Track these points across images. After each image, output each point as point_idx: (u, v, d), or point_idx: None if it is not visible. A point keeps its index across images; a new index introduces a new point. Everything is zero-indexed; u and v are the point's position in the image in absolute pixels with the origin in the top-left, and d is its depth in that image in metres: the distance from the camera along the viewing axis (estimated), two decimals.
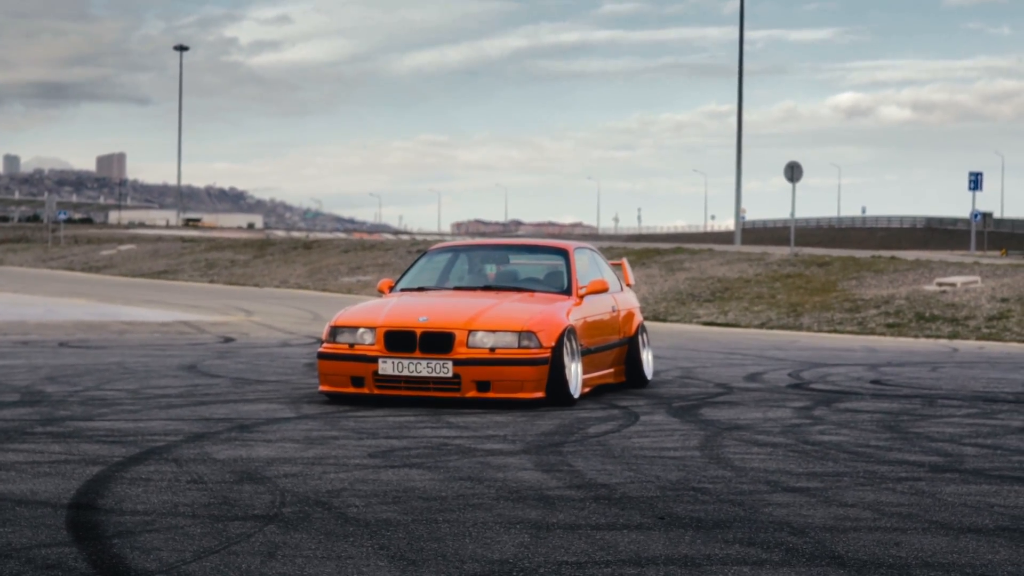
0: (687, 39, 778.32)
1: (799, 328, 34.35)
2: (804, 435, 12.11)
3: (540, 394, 13.82)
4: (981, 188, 72.96)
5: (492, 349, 13.60)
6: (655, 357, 18.63)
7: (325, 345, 14.47)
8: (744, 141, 72.59)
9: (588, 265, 16.37)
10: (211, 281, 59.00)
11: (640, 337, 16.76)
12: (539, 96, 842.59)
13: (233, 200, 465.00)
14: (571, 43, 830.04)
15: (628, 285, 17.78)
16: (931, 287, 38.89)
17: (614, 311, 16.21)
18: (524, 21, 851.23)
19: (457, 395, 13.86)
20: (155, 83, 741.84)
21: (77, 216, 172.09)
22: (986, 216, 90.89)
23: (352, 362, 14.04)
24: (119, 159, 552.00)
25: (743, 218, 75.07)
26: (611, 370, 16.11)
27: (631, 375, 16.48)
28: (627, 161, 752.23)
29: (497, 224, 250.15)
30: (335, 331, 14.36)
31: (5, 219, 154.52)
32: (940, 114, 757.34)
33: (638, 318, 17.04)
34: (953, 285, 38.74)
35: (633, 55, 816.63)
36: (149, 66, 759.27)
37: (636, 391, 15.83)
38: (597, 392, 15.42)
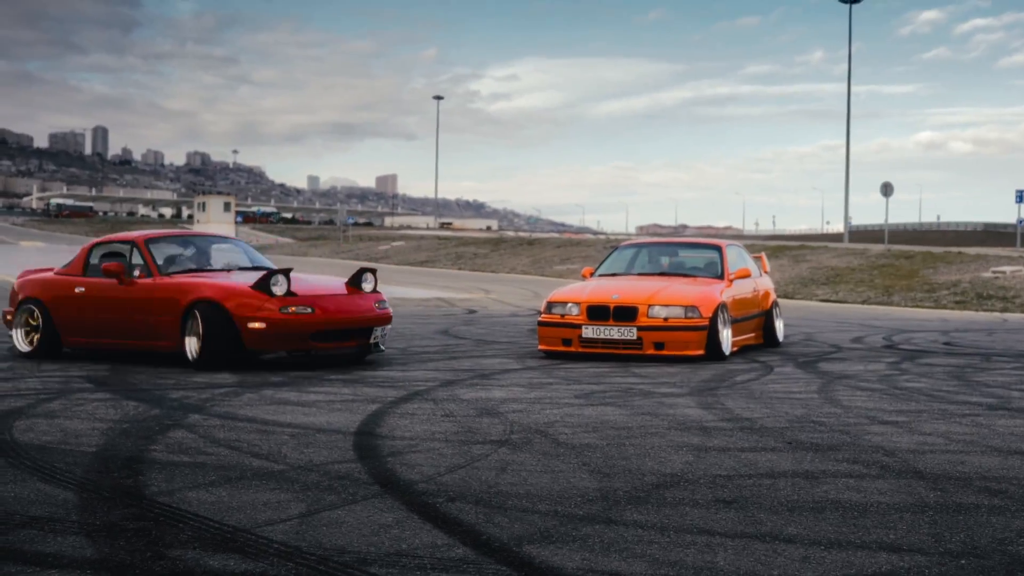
0: (809, 92, 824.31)
1: (891, 304, 35.77)
2: (894, 382, 12.67)
3: (701, 352, 14.79)
4: None
5: (666, 319, 14.72)
6: (785, 325, 19.53)
7: (543, 315, 15.53)
8: (850, 167, 74.89)
9: (736, 257, 17.33)
10: (459, 268, 62.14)
11: (774, 310, 17.79)
12: (700, 133, 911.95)
13: (475, 208, 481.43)
14: (723, 95, 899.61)
15: (765, 272, 18.79)
16: (987, 274, 40.52)
17: (755, 291, 17.20)
18: (689, 79, 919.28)
19: (639, 352, 14.78)
20: (419, 124, 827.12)
21: (361, 220, 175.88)
22: None
23: (563, 328, 15.19)
24: (392, 179, 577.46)
25: (850, 223, 76.17)
26: (753, 334, 17.07)
27: (767, 338, 17.51)
28: (764, 181, 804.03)
29: (669, 227, 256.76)
30: (550, 305, 15.48)
31: (308, 223, 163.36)
32: (993, 148, 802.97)
33: (773, 296, 17.99)
34: (1004, 272, 40.32)
35: (768, 104, 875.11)
36: (415, 111, 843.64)
37: (771, 350, 16.85)
38: (743, 351, 16.36)
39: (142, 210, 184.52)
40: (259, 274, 13.72)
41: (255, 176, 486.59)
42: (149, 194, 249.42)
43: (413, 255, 72.77)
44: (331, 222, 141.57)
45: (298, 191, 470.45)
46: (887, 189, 62.09)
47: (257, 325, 13.32)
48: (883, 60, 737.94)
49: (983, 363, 15.18)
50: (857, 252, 51.85)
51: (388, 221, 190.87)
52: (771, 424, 9.38)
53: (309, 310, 13.52)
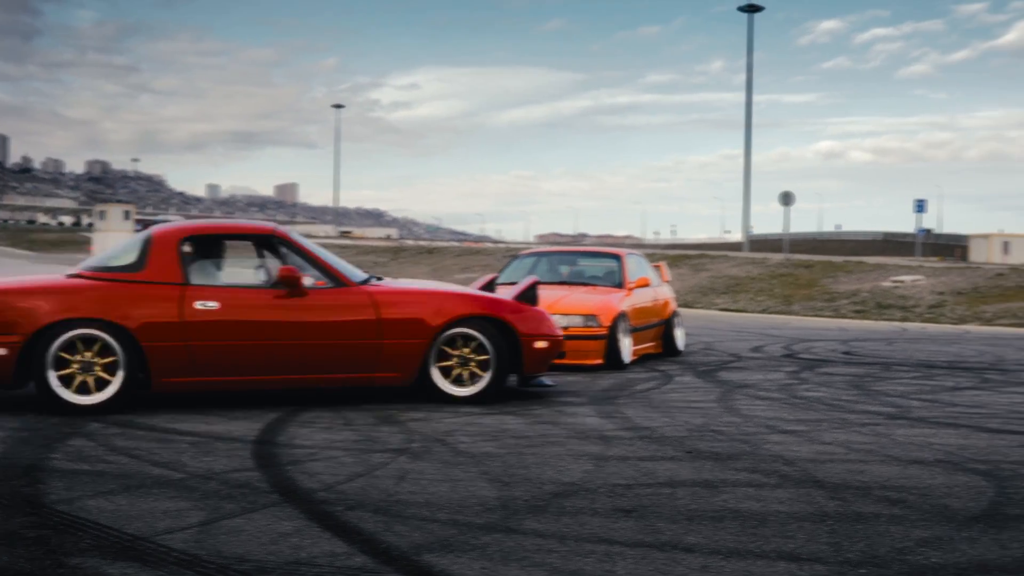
0: (709, 101, 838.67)
1: (790, 313, 35.97)
2: (793, 391, 12.68)
3: (600, 361, 14.72)
4: (925, 211, 75.92)
5: (566, 327, 14.48)
6: (685, 334, 19.41)
7: None
8: (751, 176, 74.70)
9: (635, 266, 17.31)
10: None
11: (674, 319, 17.76)
12: (600, 142, 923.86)
13: (375, 217, 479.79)
14: (624, 104, 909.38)
15: (665, 281, 18.78)
16: (887, 283, 40.88)
17: (655, 300, 17.16)
18: (589, 88, 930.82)
19: None
20: (320, 133, 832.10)
21: None
22: (928, 231, 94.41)
23: None
24: (292, 187, 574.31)
25: (750, 232, 76.87)
26: (653, 343, 16.99)
27: (667, 347, 17.46)
28: (665, 190, 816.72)
29: (569, 236, 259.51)
30: None
31: None
32: (893, 157, 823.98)
33: (672, 305, 18.00)
34: (903, 282, 40.70)
35: (669, 113, 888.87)
36: (315, 120, 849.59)
37: (671, 359, 16.74)
38: (643, 360, 16.24)
39: (42, 218, 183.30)
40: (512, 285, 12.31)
41: (155, 184, 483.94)
42: (49, 202, 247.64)
43: None
44: None
45: (198, 200, 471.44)
46: (787, 198, 62.77)
47: (541, 345, 11.68)
48: (783, 70, 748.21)
49: (882, 372, 15.37)
50: (757, 261, 52.48)
51: None
52: (671, 433, 9.40)
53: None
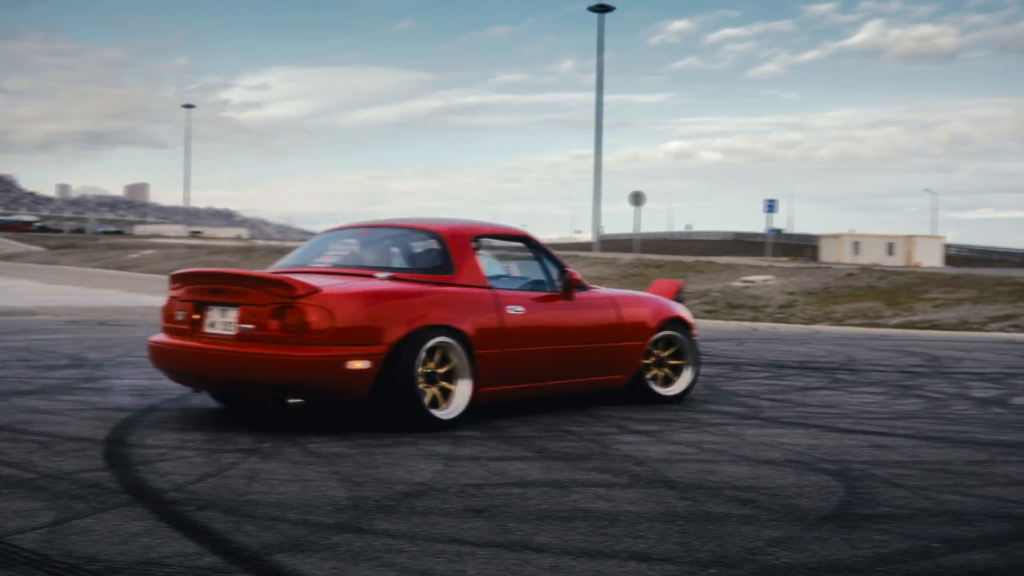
0: (559, 101, 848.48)
1: None
2: None
3: None
4: (776, 211, 77.96)
5: None
6: None
7: None
8: (601, 176, 76.18)
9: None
10: None
11: None
12: (451, 142, 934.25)
13: (226, 217, 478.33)
14: (474, 104, 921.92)
15: None
16: (738, 283, 41.36)
17: None
18: (439, 88, 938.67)
19: None
20: (170, 132, 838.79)
21: (112, 229, 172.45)
22: (779, 231, 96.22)
23: None
24: (143, 187, 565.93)
25: (600, 232, 77.70)
26: None
27: None
28: (515, 190, 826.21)
29: None
30: None
31: (58, 231, 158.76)
32: (744, 157, 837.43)
33: None
34: (754, 282, 41.25)
35: (519, 113, 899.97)
36: (166, 120, 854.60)
37: None
38: None
39: None
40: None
41: (5, 184, 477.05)
42: None
43: (164, 264, 71.60)
44: (81, 230, 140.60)
45: (49, 199, 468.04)
46: (637, 198, 63.48)
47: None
48: (633, 70, 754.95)
49: (733, 372, 15.56)
50: (608, 261, 53.06)
51: (139, 229, 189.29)
52: (521, 433, 9.44)
53: None
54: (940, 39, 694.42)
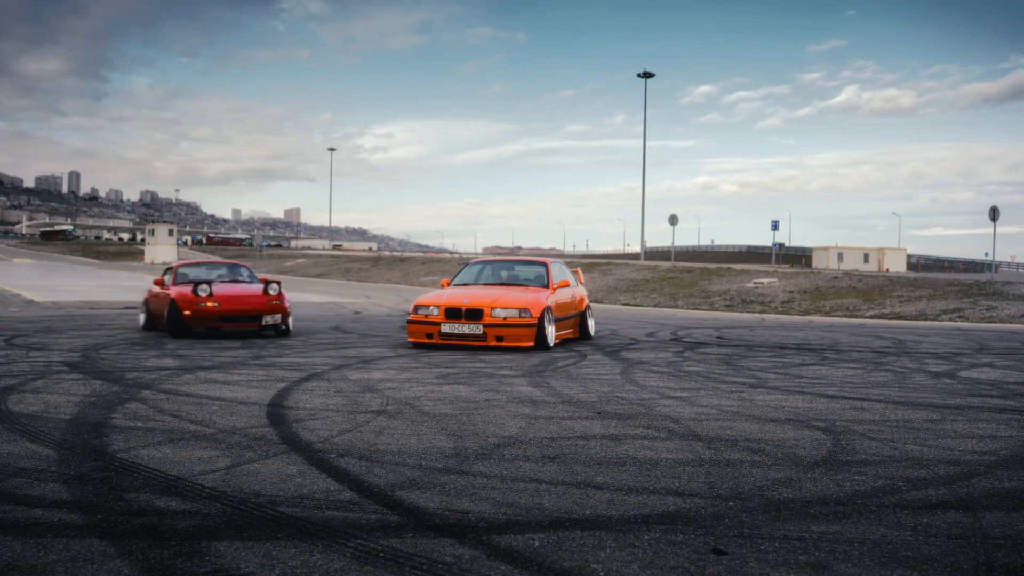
0: (614, 146, 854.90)
1: (676, 307, 35.75)
2: (678, 366, 12.66)
3: (531, 344, 14.73)
4: (778, 229, 77.78)
5: (505, 318, 14.69)
6: (596, 323, 19.69)
7: (411, 315, 15.32)
8: (645, 203, 75.72)
9: (558, 271, 17.30)
10: (347, 279, 61.72)
11: (587, 312, 17.69)
12: (531, 177, 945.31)
13: (360, 234, 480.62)
14: (549, 148, 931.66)
15: (581, 283, 18.66)
16: (750, 284, 41.13)
17: (573, 297, 17.09)
18: (523, 136, 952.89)
19: (485, 344, 14.72)
20: (318, 169, 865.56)
21: (273, 243, 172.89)
22: (781, 245, 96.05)
23: (427, 325, 15.03)
24: (297, 211, 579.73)
25: (645, 245, 77.68)
26: (571, 330, 16.92)
27: (582, 333, 17.40)
28: (580, 214, 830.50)
29: (508, 248, 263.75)
30: (417, 307, 15.28)
31: (239, 244, 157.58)
32: (754, 188, 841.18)
33: (586, 301, 17.90)
34: (762, 283, 41.03)
35: (583, 155, 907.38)
36: (315, 160, 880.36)
37: (585, 342, 16.68)
38: (564, 343, 16.25)
39: (106, 235, 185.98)
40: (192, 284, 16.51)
41: (192, 209, 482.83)
42: (111, 223, 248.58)
43: (312, 269, 72.58)
44: (251, 244, 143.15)
45: (225, 220, 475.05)
46: (673, 219, 63.25)
47: (188, 312, 16.69)
48: (670, 122, 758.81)
49: (746, 352, 15.33)
50: (650, 268, 52.51)
51: (293, 243, 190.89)
52: (585, 398, 9.36)
53: (216, 304, 16.65)
54: (902, 99, 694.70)
